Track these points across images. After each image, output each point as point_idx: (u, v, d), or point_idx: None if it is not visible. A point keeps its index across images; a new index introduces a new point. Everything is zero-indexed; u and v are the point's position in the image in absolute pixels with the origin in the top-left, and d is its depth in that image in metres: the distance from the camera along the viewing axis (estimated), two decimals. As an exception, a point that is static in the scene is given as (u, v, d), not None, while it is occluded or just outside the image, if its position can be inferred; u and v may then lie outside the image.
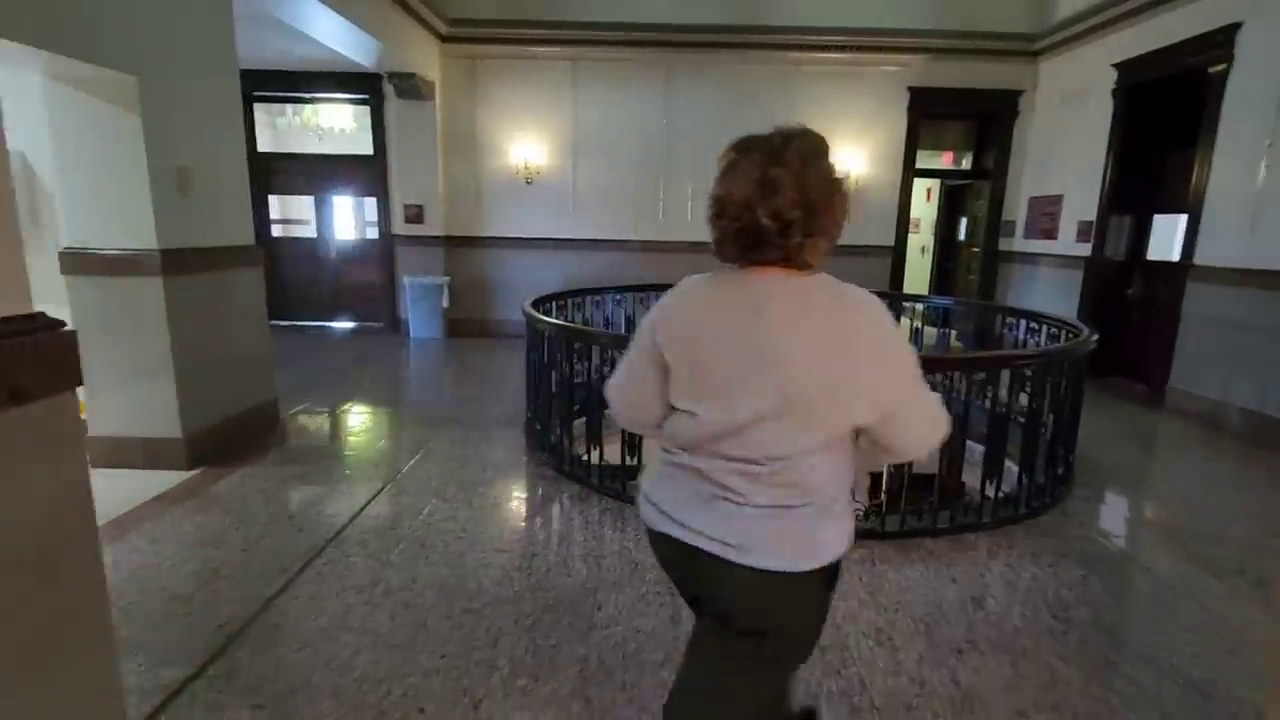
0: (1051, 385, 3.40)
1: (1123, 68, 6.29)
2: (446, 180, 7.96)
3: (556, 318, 5.55)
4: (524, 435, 4.48)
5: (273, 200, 8.50)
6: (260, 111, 8.26)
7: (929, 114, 7.93)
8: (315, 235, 8.56)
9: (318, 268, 8.58)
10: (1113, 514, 3.68)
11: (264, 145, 8.38)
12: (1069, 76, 7.16)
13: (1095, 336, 3.65)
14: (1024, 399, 3.39)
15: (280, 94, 8.08)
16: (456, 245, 8.09)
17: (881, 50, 7.62)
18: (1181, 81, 5.85)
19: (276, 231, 8.55)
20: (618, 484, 3.57)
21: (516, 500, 3.62)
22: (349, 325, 8.54)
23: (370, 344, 7.74)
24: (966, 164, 8.74)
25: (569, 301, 5.76)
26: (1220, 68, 5.24)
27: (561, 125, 7.88)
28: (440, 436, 4.48)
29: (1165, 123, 6.16)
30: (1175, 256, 5.70)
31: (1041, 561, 2.96)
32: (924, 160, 9.20)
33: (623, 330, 6.19)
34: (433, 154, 7.80)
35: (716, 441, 1.17)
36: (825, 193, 1.16)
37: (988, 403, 3.28)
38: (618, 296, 6.35)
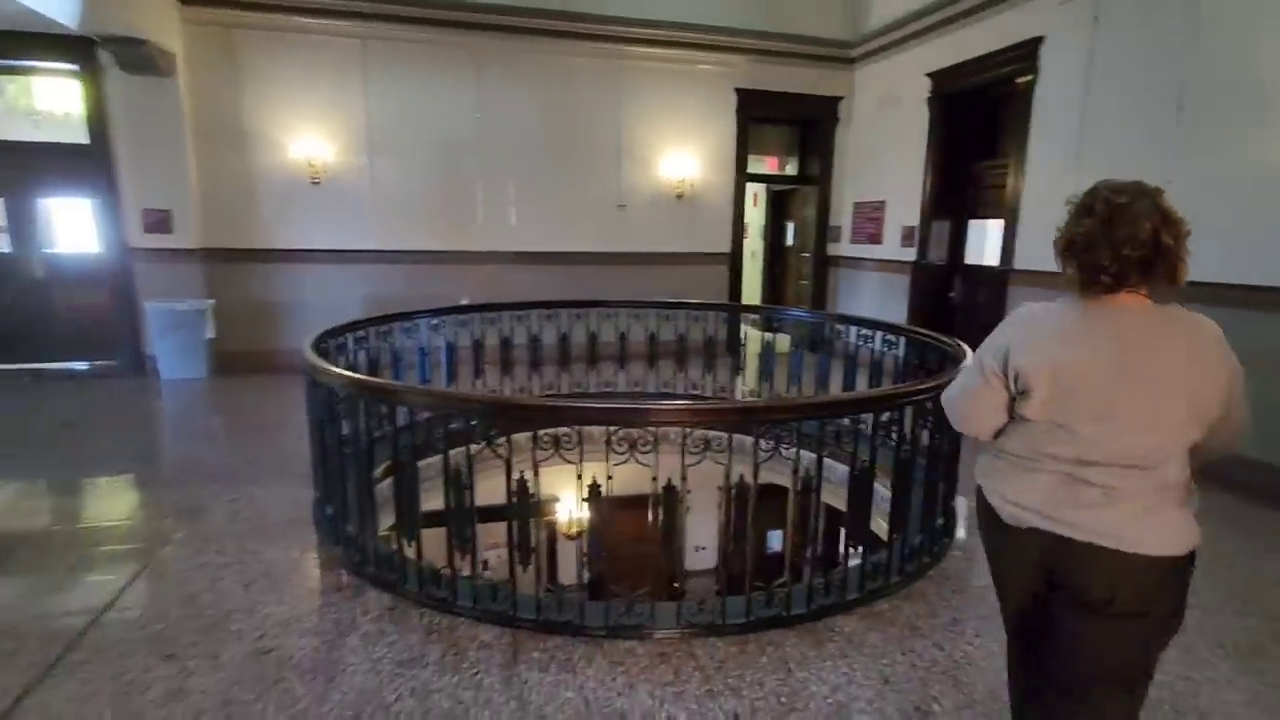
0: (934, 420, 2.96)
1: (936, 77, 6.46)
2: (202, 179, 6.32)
3: (356, 353, 4.42)
4: (313, 520, 3.36)
5: (-61, 203, 6.23)
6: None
7: (756, 117, 7.75)
8: (10, 250, 6.41)
9: (20, 293, 6.44)
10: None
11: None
12: (885, 84, 7.31)
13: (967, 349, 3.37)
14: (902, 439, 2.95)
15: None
16: (221, 260, 6.46)
17: (708, 49, 7.29)
18: (994, 91, 6.08)
19: (-53, 245, 6.28)
20: (445, 591, 2.65)
21: (298, 634, 2.53)
22: (77, 366, 6.52)
23: (99, 391, 5.90)
24: (792, 169, 8.75)
25: (371, 331, 4.62)
26: (1027, 79, 5.44)
27: (353, 116, 6.58)
28: (190, 531, 3.22)
29: (980, 131, 6.41)
30: (995, 261, 5.90)
31: (914, 647, 2.47)
32: (751, 165, 9.10)
33: (445, 365, 5.16)
34: (180, 145, 6.12)
35: (1098, 450, 1.37)
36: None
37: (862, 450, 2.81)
38: (434, 321, 5.30)
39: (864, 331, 4.70)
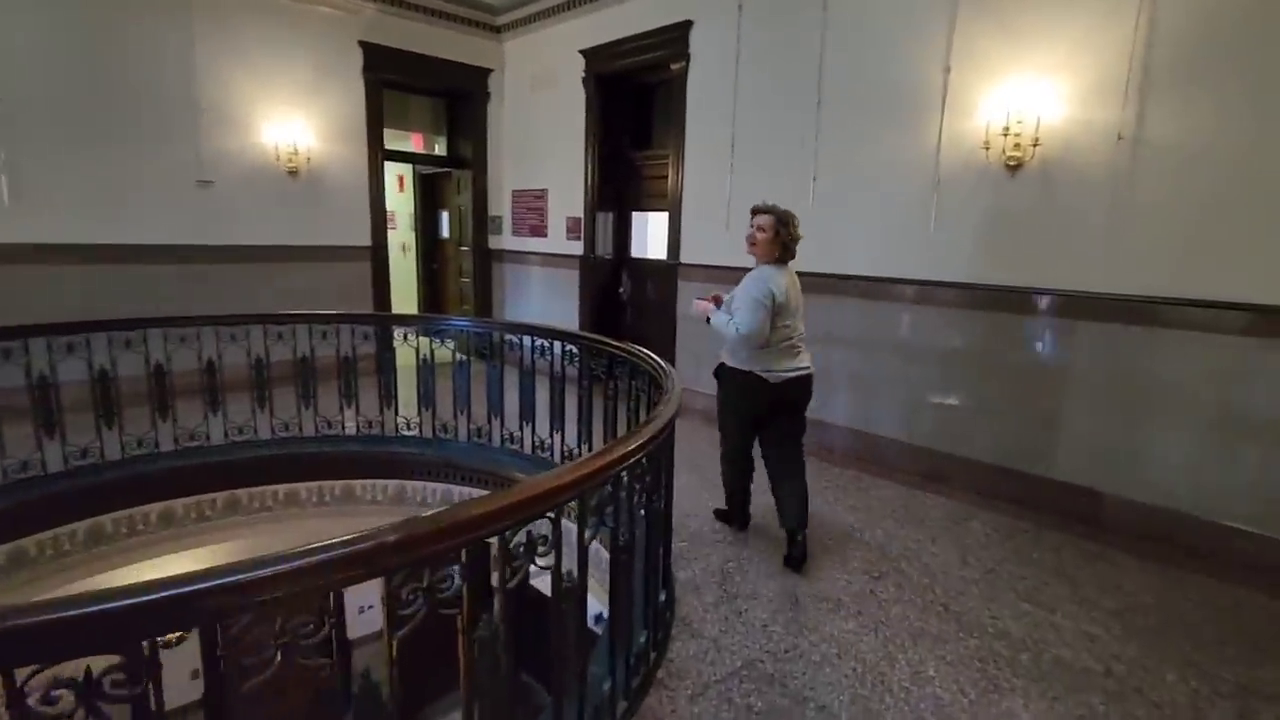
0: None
1: (590, 56, 5.96)
2: None
3: None
4: None
5: None
6: None
7: (390, 82, 6.39)
8: None
9: None
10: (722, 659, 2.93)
11: None
12: (538, 60, 6.61)
13: (674, 381, 2.73)
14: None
15: None
16: None
17: (318, -15, 5.69)
18: (651, 76, 5.79)
19: None
20: None
21: None
22: None
23: None
24: (441, 149, 7.58)
25: None
26: (680, 65, 5.22)
27: None
28: None
29: (641, 119, 6.11)
30: (663, 255, 5.65)
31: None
32: (389, 140, 7.67)
33: None
34: None
35: (796, 332, 3.01)
36: None
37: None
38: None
39: (539, 341, 3.89)
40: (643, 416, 3.05)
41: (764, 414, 3.05)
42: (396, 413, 4.39)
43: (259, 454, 4.21)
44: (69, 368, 3.65)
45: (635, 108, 6.14)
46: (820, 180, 4.43)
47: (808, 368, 3.03)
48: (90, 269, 4.98)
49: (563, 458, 3.94)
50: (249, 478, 4.21)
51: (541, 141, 6.70)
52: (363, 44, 6.01)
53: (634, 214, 6.33)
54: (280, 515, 4.33)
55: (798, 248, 2.99)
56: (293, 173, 5.76)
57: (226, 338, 4.08)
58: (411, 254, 8.59)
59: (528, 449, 4.13)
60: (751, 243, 2.99)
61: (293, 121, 5.70)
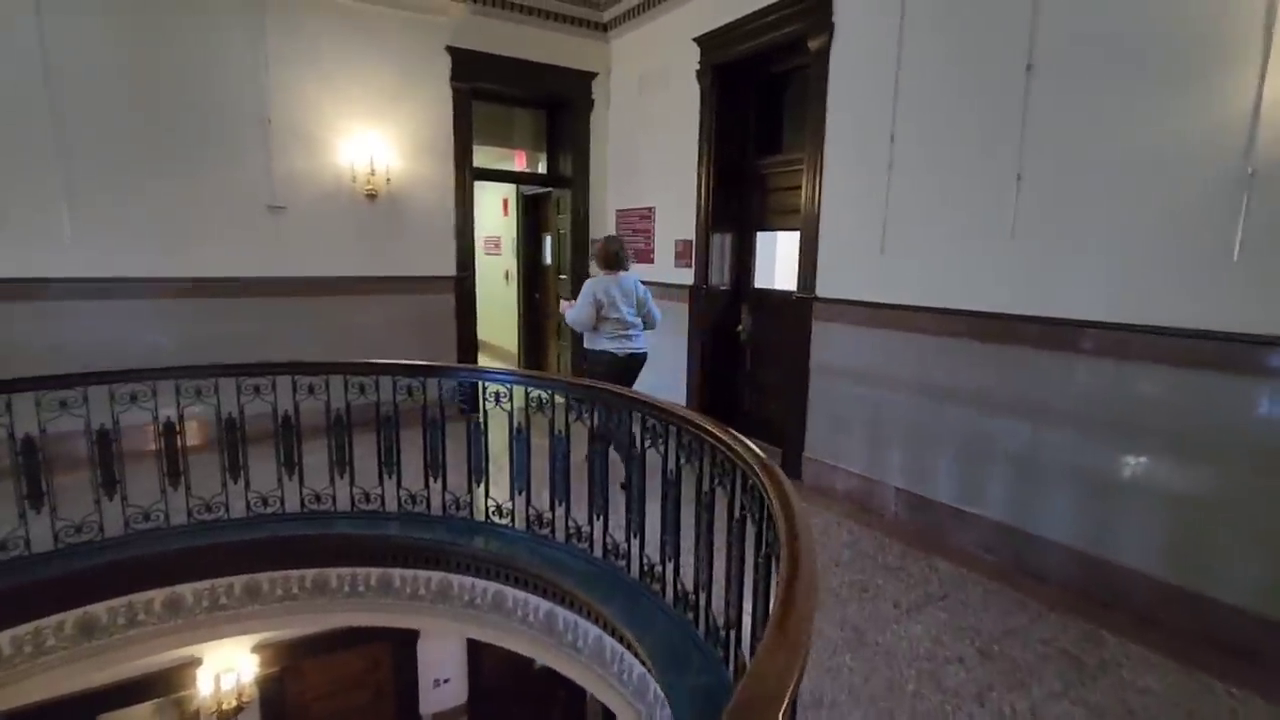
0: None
1: (706, 44, 4.91)
2: None
3: None
4: None
5: None
6: None
7: (483, 92, 5.70)
8: None
9: None
10: None
11: None
12: (646, 55, 5.67)
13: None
14: None
15: None
16: None
17: (403, -14, 5.10)
18: (780, 63, 4.65)
19: None
20: None
21: None
22: None
23: None
24: (543, 167, 6.83)
25: None
26: (821, 40, 4.01)
27: None
28: None
29: (767, 115, 4.97)
30: (791, 285, 4.42)
31: None
32: (491, 159, 7.05)
33: None
34: None
35: (625, 320, 4.08)
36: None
37: None
38: None
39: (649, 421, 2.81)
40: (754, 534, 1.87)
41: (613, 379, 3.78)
42: (487, 493, 3.45)
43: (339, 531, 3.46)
44: (133, 416, 3.19)
45: (760, 104, 4.99)
46: (1028, 181, 3.04)
47: (641, 347, 4.22)
48: (157, 304, 4.59)
49: (642, 574, 2.82)
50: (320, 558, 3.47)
51: (649, 152, 5.72)
52: (451, 49, 5.34)
53: (758, 235, 5.15)
54: (308, 605, 3.56)
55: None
56: (371, 195, 5.16)
57: (304, 389, 3.39)
58: (513, 283, 7.93)
59: (597, 549, 3.07)
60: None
61: (371, 139, 5.11)
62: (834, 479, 4.09)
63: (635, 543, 2.84)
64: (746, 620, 2.11)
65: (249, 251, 4.83)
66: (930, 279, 3.51)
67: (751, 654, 1.93)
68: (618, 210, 6.14)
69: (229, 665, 4.86)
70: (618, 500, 3.00)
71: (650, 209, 5.70)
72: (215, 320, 4.72)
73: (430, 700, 5.98)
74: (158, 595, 3.28)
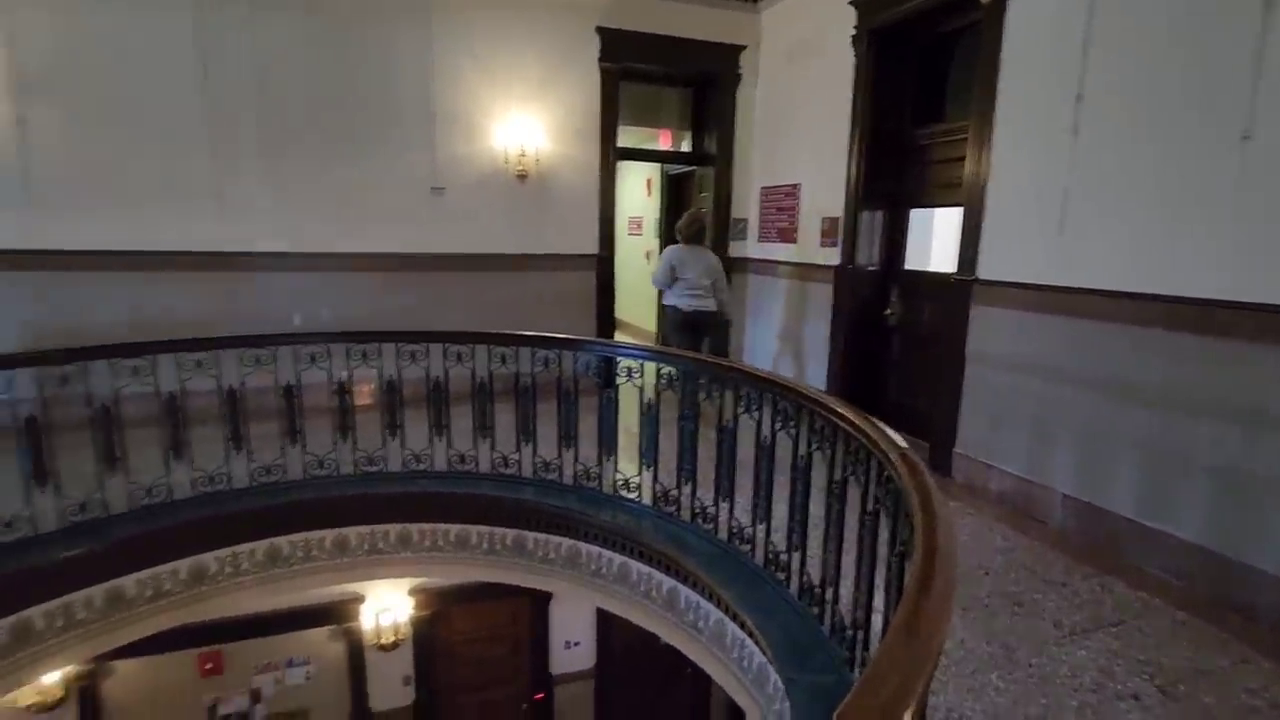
0: None
1: (864, 5, 4.58)
2: None
3: None
4: None
5: None
6: None
7: (632, 72, 5.73)
8: None
9: None
10: None
11: None
12: (798, 24, 5.41)
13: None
14: None
15: None
16: None
17: (556, -30, 5.24)
18: (946, 22, 4.24)
19: None
20: None
21: None
22: None
23: None
24: (687, 146, 6.78)
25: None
26: (996, -8, 3.59)
27: (-17, 40, 4.22)
28: None
29: (929, 81, 4.57)
30: (950, 266, 4.04)
31: None
32: (636, 139, 7.10)
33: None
34: None
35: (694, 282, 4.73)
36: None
37: None
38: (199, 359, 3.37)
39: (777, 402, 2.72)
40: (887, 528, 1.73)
41: (683, 334, 4.79)
42: (616, 467, 3.54)
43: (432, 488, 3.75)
44: (312, 375, 3.63)
45: (920, 70, 4.59)
46: (1260, 142, 2.52)
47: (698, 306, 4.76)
48: (335, 276, 5.12)
49: (766, 562, 2.73)
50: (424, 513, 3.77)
51: (796, 126, 5.47)
52: (600, 30, 5.42)
53: (911, 212, 4.77)
54: (452, 557, 3.83)
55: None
56: (521, 176, 5.40)
57: (453, 357, 3.67)
58: (654, 262, 7.97)
59: (722, 531, 3.01)
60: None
61: (523, 122, 5.32)
62: (988, 478, 3.71)
63: (761, 529, 2.75)
64: (877, 621, 1.96)
65: (412, 230, 5.25)
66: (1118, 260, 3.04)
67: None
68: (762, 188, 5.95)
69: (388, 605, 5.40)
70: (744, 484, 2.91)
71: (795, 186, 5.46)
72: (381, 292, 5.18)
73: (560, 660, 6.27)
74: (329, 535, 3.68)
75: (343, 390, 3.67)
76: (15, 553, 2.86)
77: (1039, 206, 3.39)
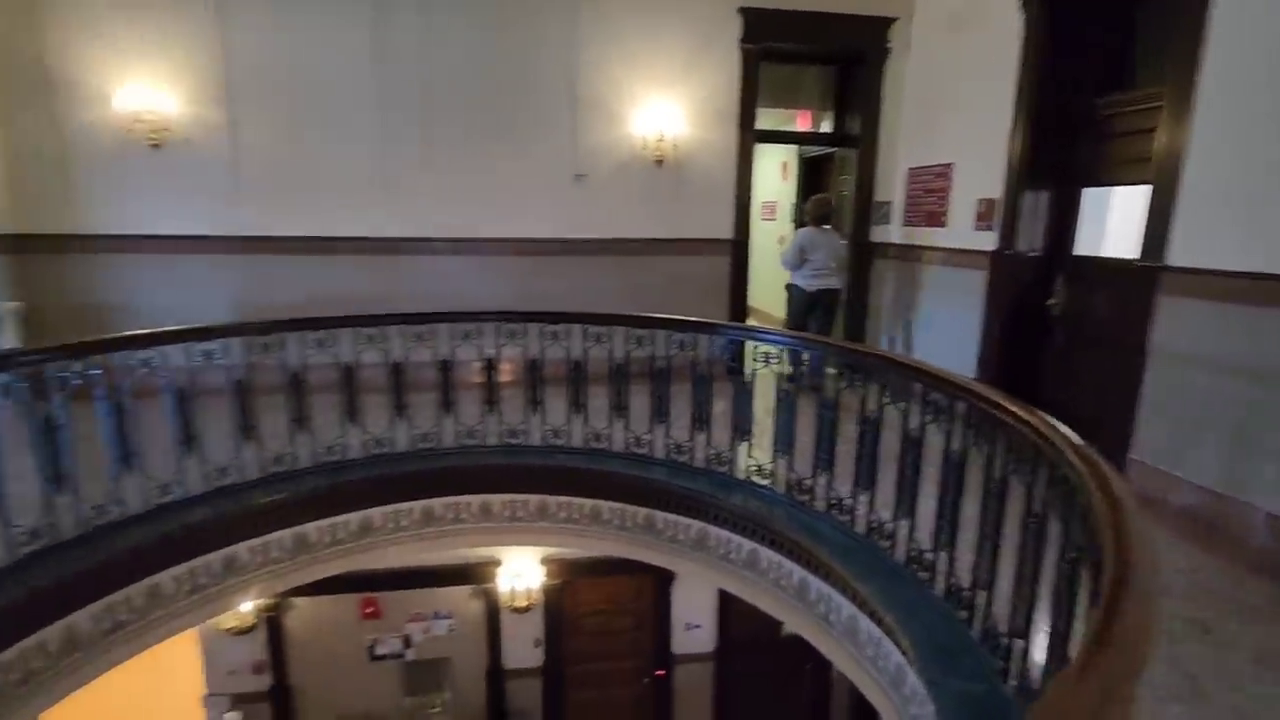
0: None
1: (1037, -35, 4.18)
2: (5, 142, 4.75)
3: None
4: None
5: None
6: None
7: (773, 52, 5.60)
8: None
9: None
10: None
11: None
12: (958, -9, 5.03)
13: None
14: None
15: None
16: (33, 249, 4.91)
17: (699, -48, 5.21)
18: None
19: None
20: None
21: None
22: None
23: None
24: (827, 127, 6.54)
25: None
26: (1206, -64, 3.13)
27: (202, 52, 4.86)
28: None
29: (1111, 46, 4.11)
30: (1132, 252, 3.62)
31: None
32: (774, 121, 6.94)
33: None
34: (-36, 99, 4.56)
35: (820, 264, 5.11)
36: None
37: None
38: (371, 334, 3.71)
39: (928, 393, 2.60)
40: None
41: (805, 311, 5.18)
42: (749, 452, 3.55)
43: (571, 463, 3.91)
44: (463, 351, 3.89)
45: (1103, 34, 4.11)
46: None
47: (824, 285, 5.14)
48: (482, 260, 5.45)
49: (908, 559, 2.62)
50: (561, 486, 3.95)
51: (951, 101, 5.11)
52: (743, 10, 5.33)
53: (1084, 191, 4.31)
54: (584, 530, 4.00)
55: None
56: (659, 161, 5.46)
57: (592, 338, 3.81)
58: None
59: (859, 525, 2.92)
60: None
61: (662, 107, 5.37)
62: (1168, 489, 3.31)
63: (904, 524, 2.64)
64: (1041, 638, 1.82)
65: (555, 216, 5.47)
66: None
67: (1045, 673, 1.68)
68: (909, 169, 5.62)
69: (521, 571, 5.73)
70: (884, 477, 2.80)
71: (948, 166, 5.11)
72: (524, 275, 5.45)
73: (681, 641, 6.37)
74: (475, 500, 3.96)
75: (490, 366, 3.92)
76: (228, 495, 3.32)
77: (1249, 181, 2.95)
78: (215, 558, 3.24)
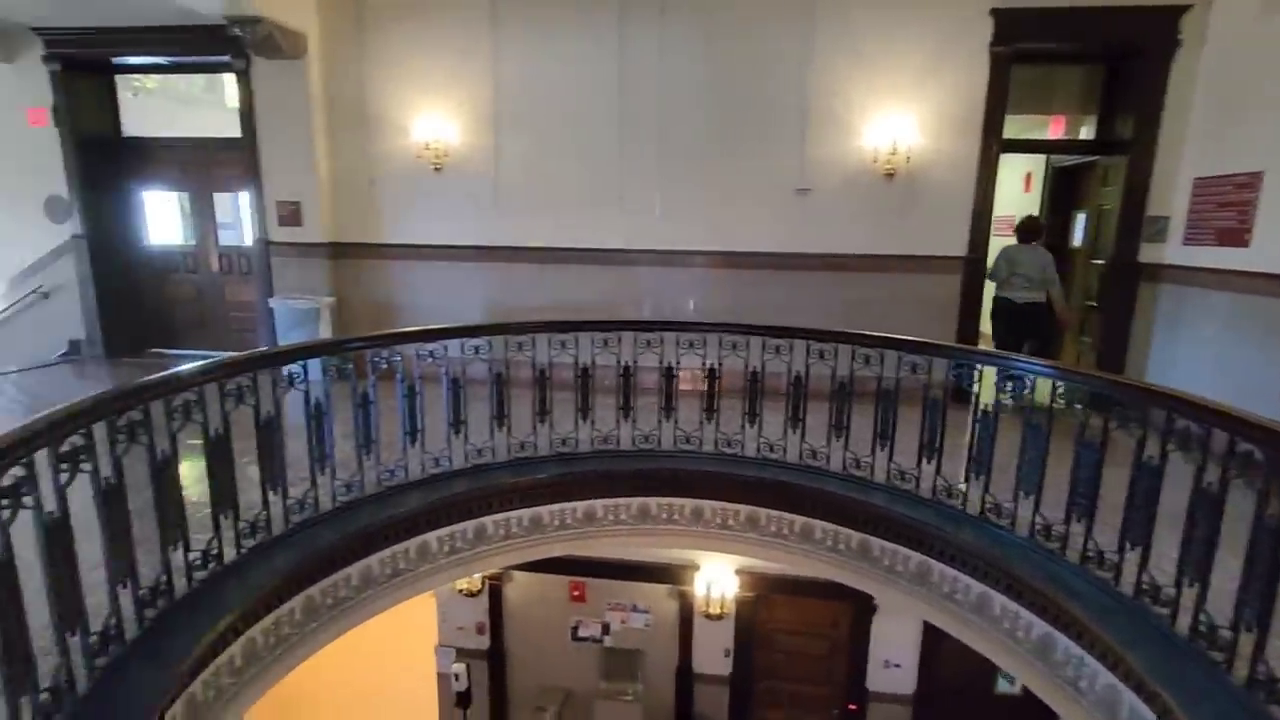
0: None
1: None
2: (332, 168, 5.89)
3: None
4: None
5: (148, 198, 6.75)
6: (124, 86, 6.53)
7: (1026, 54, 5.13)
8: (195, 242, 6.75)
9: (198, 285, 6.78)
10: None
11: (131, 128, 6.62)
12: (1280, -32, 4.23)
13: None
14: None
15: (130, 58, 6.28)
16: (344, 255, 6.01)
17: (949, -48, 4.94)
18: None
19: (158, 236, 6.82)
20: None
21: None
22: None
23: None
24: (1087, 132, 5.82)
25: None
26: None
27: (479, 87, 5.62)
28: None
29: None
30: None
31: None
32: (1019, 128, 6.34)
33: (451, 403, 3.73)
34: (306, 132, 5.73)
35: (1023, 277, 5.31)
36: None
37: None
38: (605, 338, 3.99)
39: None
40: None
41: (1009, 324, 5.39)
42: (987, 488, 3.30)
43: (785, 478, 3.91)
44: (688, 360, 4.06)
45: None
46: None
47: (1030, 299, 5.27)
48: (703, 272, 5.66)
49: (1194, 633, 2.26)
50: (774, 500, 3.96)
51: (1261, 98, 4.29)
52: (996, 12, 4.95)
53: None
54: (794, 547, 3.97)
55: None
56: (889, 175, 5.26)
57: (815, 354, 3.80)
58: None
59: (1125, 586, 2.58)
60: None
61: (896, 117, 5.17)
62: None
63: (1191, 591, 2.29)
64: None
65: (775, 229, 5.50)
66: None
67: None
68: (1196, 179, 4.81)
69: (716, 578, 5.83)
70: (1162, 533, 2.44)
71: (1255, 175, 4.29)
72: (742, 288, 5.55)
73: (877, 678, 6.05)
74: (688, 504, 4.11)
75: (713, 374, 4.05)
76: (481, 474, 3.81)
77: None
78: (469, 525, 3.72)
